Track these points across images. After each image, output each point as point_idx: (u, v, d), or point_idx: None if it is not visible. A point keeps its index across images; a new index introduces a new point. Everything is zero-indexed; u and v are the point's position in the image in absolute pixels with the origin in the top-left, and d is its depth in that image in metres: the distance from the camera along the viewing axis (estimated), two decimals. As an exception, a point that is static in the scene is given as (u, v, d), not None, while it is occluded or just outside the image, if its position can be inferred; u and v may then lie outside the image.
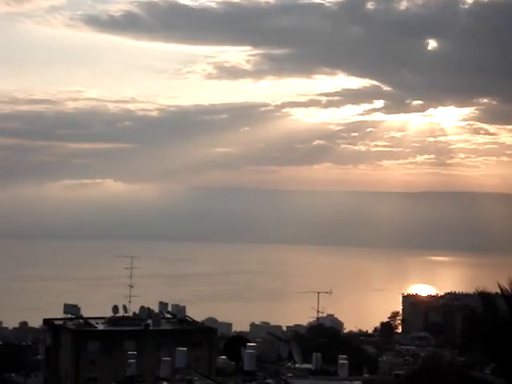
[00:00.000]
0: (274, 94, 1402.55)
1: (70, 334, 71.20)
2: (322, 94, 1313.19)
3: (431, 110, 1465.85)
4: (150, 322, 73.70)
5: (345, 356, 45.09)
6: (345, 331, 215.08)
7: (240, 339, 44.52)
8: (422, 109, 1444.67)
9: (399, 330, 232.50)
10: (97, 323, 73.92)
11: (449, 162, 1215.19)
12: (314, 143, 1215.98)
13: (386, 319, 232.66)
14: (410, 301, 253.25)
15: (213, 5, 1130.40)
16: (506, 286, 27.32)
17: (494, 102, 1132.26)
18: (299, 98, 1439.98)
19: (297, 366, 47.54)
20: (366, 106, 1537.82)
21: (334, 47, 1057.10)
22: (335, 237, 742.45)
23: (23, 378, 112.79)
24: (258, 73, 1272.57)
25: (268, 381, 37.46)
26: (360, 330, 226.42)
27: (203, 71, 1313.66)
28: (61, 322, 74.14)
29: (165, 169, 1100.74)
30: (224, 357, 65.54)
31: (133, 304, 76.91)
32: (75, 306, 74.82)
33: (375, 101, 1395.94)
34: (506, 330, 26.92)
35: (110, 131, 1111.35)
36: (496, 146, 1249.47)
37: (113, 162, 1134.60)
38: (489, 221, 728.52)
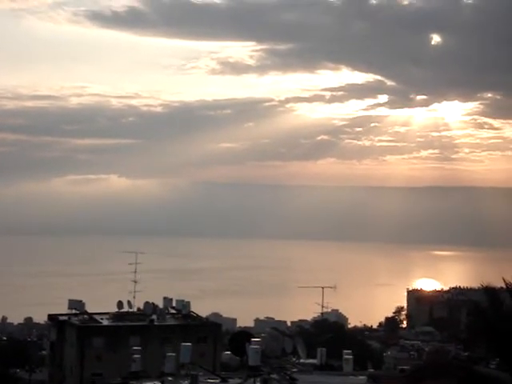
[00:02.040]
0: (277, 90, 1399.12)
1: (75, 329, 71.32)
2: (325, 89, 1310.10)
3: (435, 105, 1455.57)
4: (154, 317, 73.79)
5: (349, 351, 45.13)
6: (349, 326, 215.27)
7: (244, 334, 44.57)
8: (426, 103, 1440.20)
9: (404, 324, 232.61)
10: (101, 319, 74.02)
11: (453, 156, 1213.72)
12: (318, 138, 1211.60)
13: (390, 314, 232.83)
14: (414, 295, 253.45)
15: (216, 0, 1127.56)
16: (510, 280, 27.33)
17: (498, 97, 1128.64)
18: (303, 93, 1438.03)
19: (301, 360, 47.58)
20: (370, 101, 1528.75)
21: (337, 42, 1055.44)
22: (339, 232, 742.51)
23: (28, 373, 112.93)
24: (261, 68, 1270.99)
25: (273, 376, 37.47)
26: (365, 324, 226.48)
27: (207, 66, 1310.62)
28: (65, 318, 74.26)
29: (169, 164, 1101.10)
30: (229, 352, 65.55)
31: (137, 299, 77.02)
32: (80, 301, 74.93)
33: (379, 96, 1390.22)
34: (511, 324, 26.90)
35: (114, 127, 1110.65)
36: (500, 141, 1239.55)
37: (117, 158, 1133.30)
38: (493, 215, 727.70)
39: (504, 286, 27.73)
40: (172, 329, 72.03)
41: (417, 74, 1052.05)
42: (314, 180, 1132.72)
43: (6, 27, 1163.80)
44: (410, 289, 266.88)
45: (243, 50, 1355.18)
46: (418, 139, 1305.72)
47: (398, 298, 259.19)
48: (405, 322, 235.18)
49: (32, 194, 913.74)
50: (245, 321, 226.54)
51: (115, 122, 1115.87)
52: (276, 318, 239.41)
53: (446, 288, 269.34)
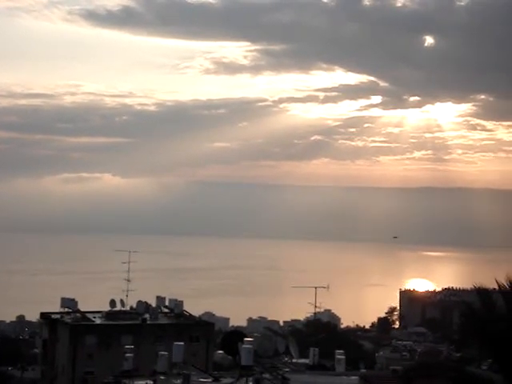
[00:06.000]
0: (271, 90, 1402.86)
1: (67, 327, 71.23)
2: (319, 90, 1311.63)
3: (428, 106, 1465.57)
4: (147, 316, 73.76)
5: (342, 351, 45.20)
6: (342, 326, 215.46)
7: (237, 334, 44.61)
8: (419, 105, 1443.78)
9: (396, 325, 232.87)
10: (94, 317, 73.96)
11: (446, 157, 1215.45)
12: (312, 138, 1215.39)
13: (383, 314, 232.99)
14: (407, 296, 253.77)
15: (211, 0, 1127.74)
16: (503, 281, 27.35)
17: (491, 99, 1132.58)
18: (297, 94, 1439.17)
19: (294, 360, 47.63)
20: (363, 102, 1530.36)
21: (331, 43, 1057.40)
22: (332, 232, 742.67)
23: (20, 371, 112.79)
24: (255, 68, 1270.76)
25: (265, 376, 37.50)
26: (357, 325, 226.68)
27: (201, 66, 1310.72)
28: (58, 316, 74.18)
29: (162, 163, 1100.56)
30: (221, 351, 65.50)
31: (130, 298, 76.91)
32: (72, 299, 74.83)
33: (372, 96, 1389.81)
34: (503, 325, 26.93)
35: (108, 126, 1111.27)
36: (493, 142, 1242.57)
37: (111, 157, 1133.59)
38: (486, 216, 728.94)
39: (496, 287, 27.76)
40: (164, 328, 72.03)
41: (410, 76, 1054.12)
42: (307, 180, 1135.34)
43: (1, 25, 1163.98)
44: (403, 289, 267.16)
45: (237, 50, 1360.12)
46: (411, 140, 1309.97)
47: (391, 298, 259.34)
48: (397, 323, 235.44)
49: (25, 192, 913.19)
50: (237, 320, 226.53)
51: (109, 120, 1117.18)
52: (269, 318, 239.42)
53: (438, 289, 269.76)
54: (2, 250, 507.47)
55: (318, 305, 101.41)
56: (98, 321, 73.21)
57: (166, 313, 76.41)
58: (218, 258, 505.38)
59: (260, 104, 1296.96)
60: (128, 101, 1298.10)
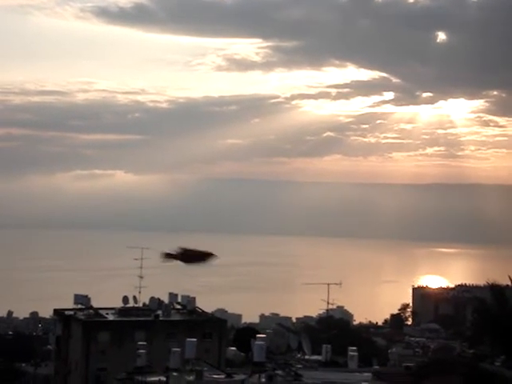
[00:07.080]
0: (283, 86, 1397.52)
1: (81, 324, 71.42)
2: (331, 86, 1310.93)
3: (441, 102, 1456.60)
4: (159, 312, 73.85)
5: (354, 348, 45.18)
6: (355, 323, 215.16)
7: (250, 330, 44.65)
8: (431, 101, 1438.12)
9: (409, 321, 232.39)
10: (107, 314, 74.14)
11: (458, 154, 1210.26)
12: (324, 135, 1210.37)
13: (396, 311, 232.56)
14: (420, 293, 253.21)
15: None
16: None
17: (503, 95, 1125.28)
18: (309, 90, 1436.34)
19: (306, 357, 47.64)
20: (375, 98, 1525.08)
21: (343, 39, 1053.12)
22: (344, 229, 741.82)
23: (33, 367, 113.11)
24: (267, 65, 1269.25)
25: (277, 372, 37.50)
26: (370, 321, 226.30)
27: (213, 63, 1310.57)
28: (71, 313, 74.37)
29: (175, 160, 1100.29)
30: (233, 348, 65.58)
31: (143, 295, 77.03)
32: (86, 296, 75.05)
33: (385, 93, 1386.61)
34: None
35: (121, 123, 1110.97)
36: (506, 139, 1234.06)
37: (123, 154, 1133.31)
38: (499, 213, 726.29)
39: (509, 284, 27.75)
40: (177, 324, 72.09)
41: (422, 72, 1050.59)
42: (319, 176, 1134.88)
43: (14, 23, 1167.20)
44: (416, 286, 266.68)
45: (249, 46, 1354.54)
46: (424, 136, 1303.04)
47: (404, 294, 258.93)
48: (410, 319, 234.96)
49: (38, 189, 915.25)
50: (250, 317, 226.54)
51: (121, 117, 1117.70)
52: (281, 314, 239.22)
53: (451, 285, 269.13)
54: (14, 246, 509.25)
55: (331, 301, 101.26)
56: (110, 317, 73.37)
57: (178, 309, 76.51)
58: (229, 254, 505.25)
59: (272, 101, 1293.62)
60: (140, 98, 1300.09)
